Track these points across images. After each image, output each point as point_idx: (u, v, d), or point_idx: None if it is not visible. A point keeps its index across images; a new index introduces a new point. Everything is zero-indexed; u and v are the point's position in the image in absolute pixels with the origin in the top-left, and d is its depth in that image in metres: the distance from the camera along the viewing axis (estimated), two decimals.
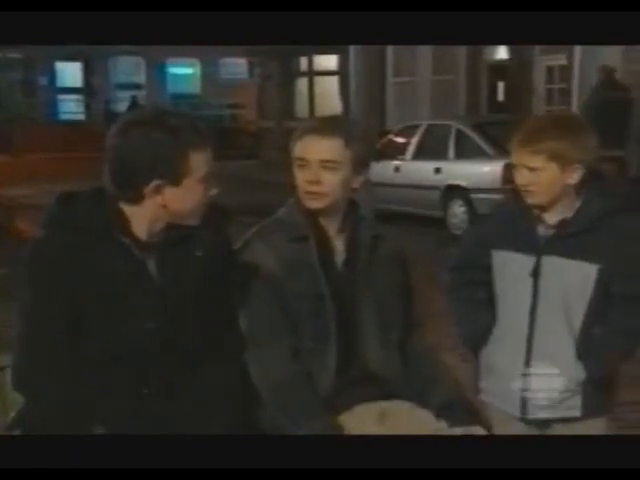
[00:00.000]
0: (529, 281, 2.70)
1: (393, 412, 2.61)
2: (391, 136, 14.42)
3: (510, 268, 2.73)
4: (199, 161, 2.31)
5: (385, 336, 2.66)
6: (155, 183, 2.28)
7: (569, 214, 2.68)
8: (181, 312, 2.35)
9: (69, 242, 2.29)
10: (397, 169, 13.28)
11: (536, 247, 2.69)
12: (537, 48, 16.63)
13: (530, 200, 2.67)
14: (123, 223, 2.32)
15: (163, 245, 2.35)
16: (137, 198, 2.31)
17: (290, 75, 23.83)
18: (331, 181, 2.59)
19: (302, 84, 23.87)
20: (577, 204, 2.69)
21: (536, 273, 2.69)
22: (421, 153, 13.10)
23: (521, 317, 2.72)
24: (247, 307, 2.56)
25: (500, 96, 18.55)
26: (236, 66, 33.92)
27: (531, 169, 2.62)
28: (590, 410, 2.74)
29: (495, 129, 11.79)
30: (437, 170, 12.47)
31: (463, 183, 11.83)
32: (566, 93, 15.72)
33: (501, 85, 18.46)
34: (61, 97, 34.54)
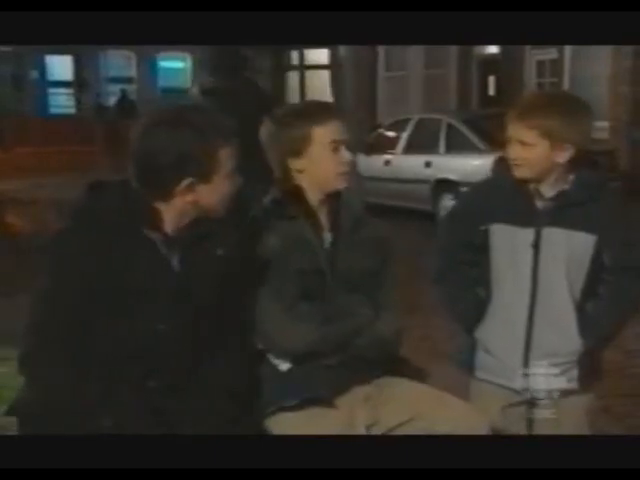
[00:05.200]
0: (530, 253, 2.70)
1: (377, 393, 2.64)
2: (382, 130, 14.42)
3: (509, 242, 2.73)
4: (226, 156, 2.33)
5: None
6: (187, 181, 2.29)
7: (566, 186, 2.70)
8: (201, 309, 2.34)
9: (95, 235, 2.28)
10: (387, 163, 13.29)
11: (536, 219, 2.70)
12: None
13: (517, 173, 2.69)
14: (152, 218, 2.32)
15: (188, 242, 2.35)
16: (166, 196, 2.31)
17: (281, 69, 23.81)
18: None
19: (293, 78, 23.86)
20: (571, 177, 2.71)
21: (537, 245, 2.69)
22: (412, 147, 13.10)
23: (522, 290, 2.73)
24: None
25: (491, 90, 18.58)
26: None
27: (523, 143, 2.64)
28: (585, 382, 2.78)
29: (486, 123, 11.79)
30: (427, 164, 12.48)
31: (453, 177, 11.82)
32: (557, 87, 15.75)
33: (492, 79, 18.49)
34: (52, 91, 34.40)
